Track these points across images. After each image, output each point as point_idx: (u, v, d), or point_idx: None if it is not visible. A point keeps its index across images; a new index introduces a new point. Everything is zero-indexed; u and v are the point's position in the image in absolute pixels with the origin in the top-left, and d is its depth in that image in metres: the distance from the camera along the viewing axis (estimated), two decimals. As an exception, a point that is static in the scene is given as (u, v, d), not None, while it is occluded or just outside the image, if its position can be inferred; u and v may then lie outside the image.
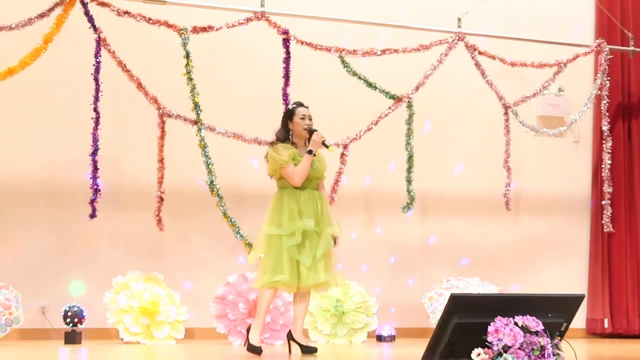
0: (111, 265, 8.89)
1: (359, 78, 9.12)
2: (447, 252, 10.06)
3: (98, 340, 8.70)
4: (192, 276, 9.25)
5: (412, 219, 9.69)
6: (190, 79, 8.60)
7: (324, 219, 7.29)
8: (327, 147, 7.26)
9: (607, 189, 10.08)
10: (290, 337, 7.40)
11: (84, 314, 8.42)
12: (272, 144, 7.39)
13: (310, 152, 7.19)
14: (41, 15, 8.27)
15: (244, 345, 7.22)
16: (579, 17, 10.67)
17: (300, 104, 7.45)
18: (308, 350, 7.28)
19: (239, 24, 8.80)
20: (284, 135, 7.37)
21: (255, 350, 7.09)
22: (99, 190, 8.39)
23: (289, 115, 7.42)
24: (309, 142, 7.28)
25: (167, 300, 8.63)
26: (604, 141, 10.16)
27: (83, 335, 8.45)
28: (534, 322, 4.88)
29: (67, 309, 8.41)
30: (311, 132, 7.27)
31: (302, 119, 7.34)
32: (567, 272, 10.47)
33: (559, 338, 5.04)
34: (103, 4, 8.45)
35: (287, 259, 7.13)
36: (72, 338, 8.32)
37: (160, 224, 8.70)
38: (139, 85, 8.56)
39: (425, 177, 9.75)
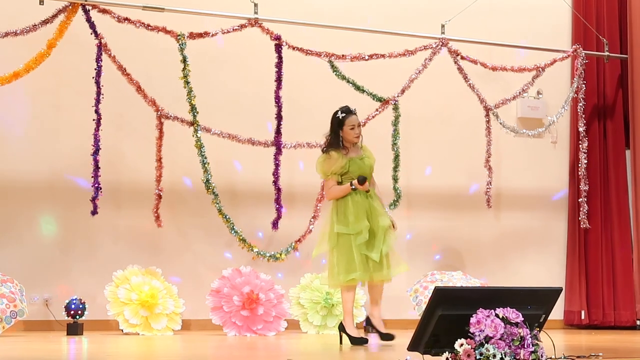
0: (111, 260, 8.89)
1: (348, 82, 9.12)
2: (432, 247, 10.06)
3: (99, 331, 8.69)
4: (189, 270, 9.24)
5: (398, 215, 9.60)
6: (187, 83, 8.61)
7: (378, 215, 7.30)
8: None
9: (584, 187, 10.10)
10: (368, 322, 7.43)
11: (84, 306, 8.41)
12: (324, 150, 7.39)
13: (354, 188, 7.24)
14: (45, 22, 8.26)
15: (341, 341, 7.27)
16: (557, 24, 10.68)
17: (348, 111, 7.35)
18: (387, 337, 7.23)
19: (233, 30, 8.80)
20: (336, 142, 7.35)
21: (360, 341, 7.11)
22: (100, 188, 8.39)
23: (339, 123, 7.33)
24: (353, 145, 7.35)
25: (165, 293, 8.64)
26: (580, 141, 10.19)
27: (84, 326, 8.42)
28: (514, 314, 4.88)
29: (69, 302, 8.42)
30: (363, 182, 7.22)
31: (352, 129, 7.32)
32: (545, 266, 10.49)
33: (538, 329, 5.04)
34: (104, 11, 8.44)
35: (359, 256, 7.15)
36: (74, 329, 8.31)
37: (158, 220, 8.73)
38: (138, 89, 8.57)
39: (410, 175, 9.80)
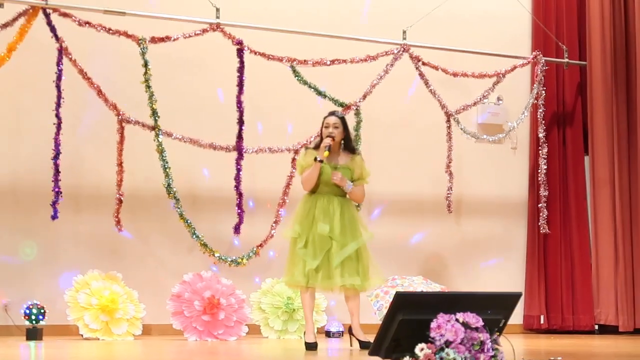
0: (72, 265, 8.83)
1: (309, 87, 9.13)
2: (393, 252, 9.97)
3: (59, 336, 8.60)
4: (150, 275, 9.18)
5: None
6: (149, 87, 8.57)
7: (342, 226, 7.33)
8: (324, 151, 7.32)
9: (543, 192, 10.17)
10: (350, 332, 7.51)
11: (43, 311, 8.34)
12: (305, 148, 7.58)
13: (315, 159, 7.28)
14: (5, 25, 8.20)
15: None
16: (517, 31, 10.74)
17: (330, 113, 7.55)
18: (365, 345, 7.27)
19: (195, 34, 8.79)
20: (318, 142, 7.52)
21: (309, 346, 7.25)
22: (61, 193, 8.34)
23: (322, 124, 7.51)
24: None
25: (126, 298, 8.59)
26: (540, 147, 10.26)
27: (44, 331, 8.35)
28: (474, 319, 4.90)
29: (28, 306, 8.34)
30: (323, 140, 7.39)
31: (327, 127, 7.44)
32: (505, 271, 10.52)
33: (498, 334, 5.07)
34: (65, 15, 8.39)
35: (299, 260, 7.28)
36: (33, 334, 8.24)
37: (119, 224, 8.67)
38: (99, 92, 8.52)
39: (372, 180, 9.71)
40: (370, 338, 7.18)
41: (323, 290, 7.46)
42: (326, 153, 7.30)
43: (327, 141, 7.32)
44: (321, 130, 7.49)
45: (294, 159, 9.09)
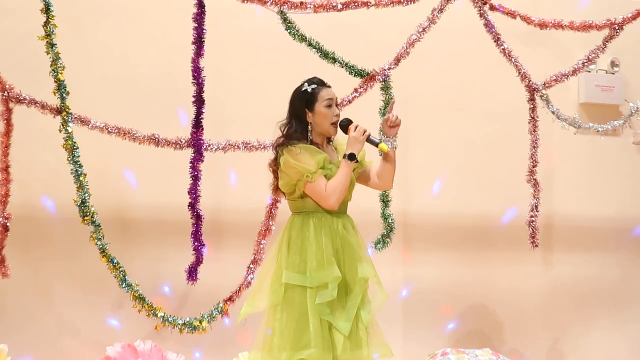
0: None
1: (310, 45, 8.92)
2: (442, 308, 9.99)
3: None
4: (52, 346, 9.06)
5: (389, 257, 9.45)
6: (52, 46, 8.33)
7: (355, 259, 7.06)
8: (376, 145, 6.96)
9: (684, 214, 10.07)
10: None
11: None
12: (282, 144, 7.04)
13: (352, 156, 6.88)
14: None
15: None
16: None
17: (320, 83, 7.13)
18: None
19: (128, -37, 8.76)
20: (300, 131, 7.07)
21: None
22: None
23: (307, 100, 7.05)
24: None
25: (14, 386, 8.43)
26: (679, 142, 10.19)
27: None
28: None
29: None
30: (345, 126, 6.99)
31: (329, 106, 7.03)
32: (623, 338, 10.60)
33: None
34: None
35: (317, 322, 6.87)
36: None
37: (2, 266, 8.40)
38: (-27, 55, 8.36)
39: (408, 194, 9.74)
40: None
41: None
42: (386, 147, 6.99)
43: (363, 129, 6.96)
44: (303, 109, 7.08)
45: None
